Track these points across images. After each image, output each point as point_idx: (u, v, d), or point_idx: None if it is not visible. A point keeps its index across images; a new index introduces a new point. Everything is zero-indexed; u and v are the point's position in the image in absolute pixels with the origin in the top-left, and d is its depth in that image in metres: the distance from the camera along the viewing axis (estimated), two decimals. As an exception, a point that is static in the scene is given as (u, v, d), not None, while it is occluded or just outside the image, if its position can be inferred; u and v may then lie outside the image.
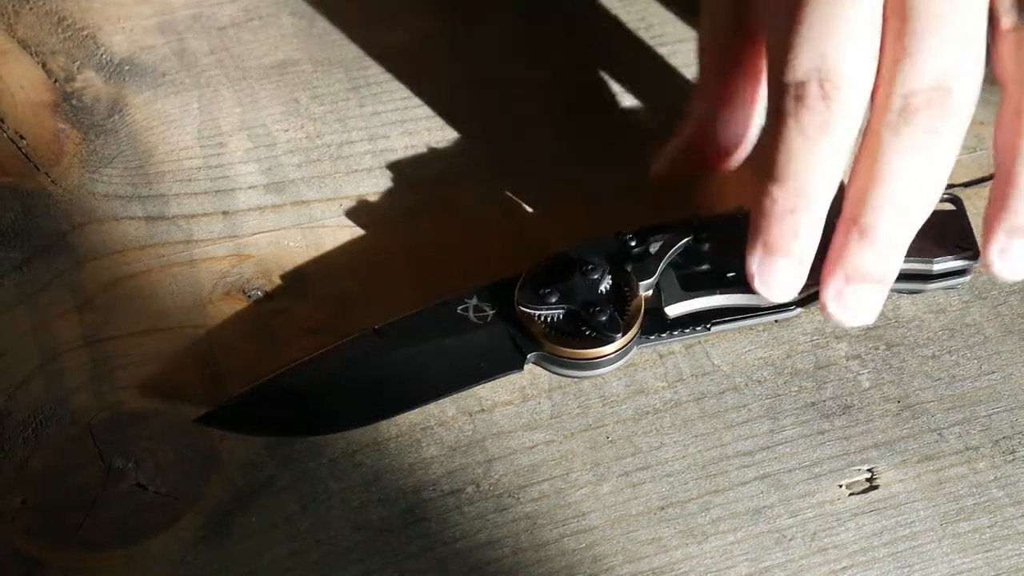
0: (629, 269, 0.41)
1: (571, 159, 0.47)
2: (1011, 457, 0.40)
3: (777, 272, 0.39)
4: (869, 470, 0.40)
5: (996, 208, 0.39)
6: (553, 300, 0.40)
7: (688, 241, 0.41)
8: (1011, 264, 0.39)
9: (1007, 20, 0.38)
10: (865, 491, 0.40)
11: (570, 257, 0.41)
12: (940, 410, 0.41)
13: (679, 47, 0.51)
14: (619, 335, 0.40)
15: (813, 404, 0.41)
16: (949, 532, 0.39)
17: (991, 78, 0.39)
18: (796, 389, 0.42)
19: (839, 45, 0.37)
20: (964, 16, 0.37)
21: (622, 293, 0.40)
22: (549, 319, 0.40)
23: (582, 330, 0.40)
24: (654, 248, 0.41)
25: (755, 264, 0.39)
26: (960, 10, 0.37)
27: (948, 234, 0.41)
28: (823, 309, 0.39)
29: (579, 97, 0.49)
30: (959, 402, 0.42)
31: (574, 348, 0.40)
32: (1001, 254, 0.39)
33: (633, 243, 0.41)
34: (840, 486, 0.40)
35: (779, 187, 0.38)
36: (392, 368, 0.39)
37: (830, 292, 0.39)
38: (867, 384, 0.42)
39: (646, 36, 0.51)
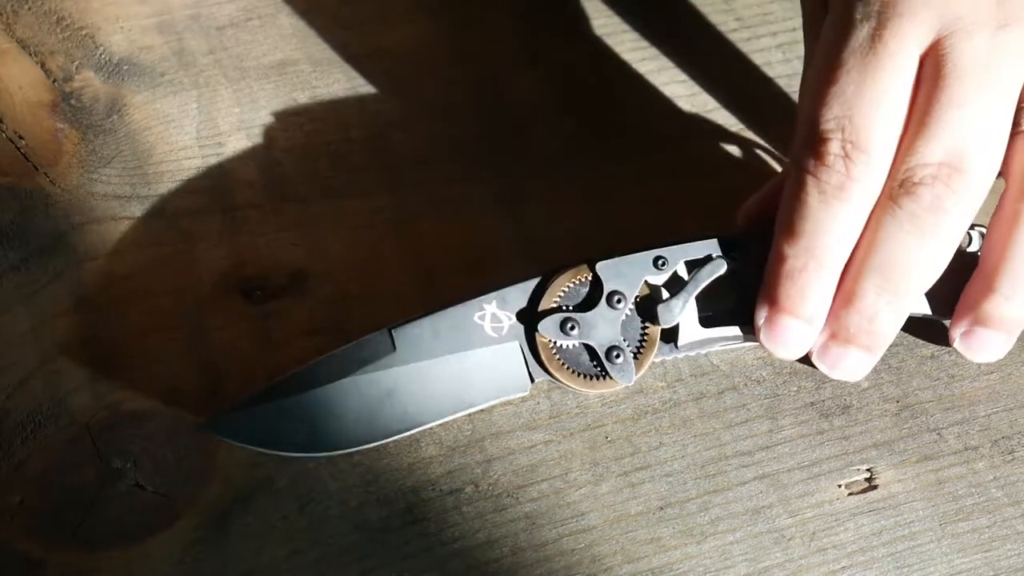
0: (655, 309, 0.39)
1: (571, 157, 0.47)
2: (1010, 457, 0.40)
3: (783, 331, 0.38)
4: (868, 470, 0.40)
5: (970, 298, 0.39)
6: (574, 333, 0.39)
7: (721, 275, 0.40)
8: (970, 347, 0.40)
9: None
10: (864, 491, 0.40)
11: (600, 279, 0.39)
12: (939, 410, 0.41)
13: (678, 46, 0.51)
14: (631, 383, 0.39)
15: (812, 404, 0.41)
16: (948, 532, 0.39)
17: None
18: (795, 389, 0.42)
19: (867, 110, 0.36)
20: (994, 102, 0.36)
21: (641, 330, 0.40)
22: (564, 347, 0.39)
23: (594, 367, 0.39)
24: (684, 273, 0.40)
25: (761, 319, 0.39)
26: (991, 96, 0.36)
27: (959, 280, 0.40)
28: (810, 355, 0.39)
29: (578, 95, 0.49)
30: (958, 402, 0.42)
31: (583, 386, 0.39)
32: (963, 336, 0.40)
33: (664, 269, 0.39)
34: (839, 486, 0.40)
35: (790, 244, 0.37)
36: (400, 385, 0.38)
37: (817, 343, 0.39)
38: (866, 384, 0.42)
39: (644, 35, 0.51)
